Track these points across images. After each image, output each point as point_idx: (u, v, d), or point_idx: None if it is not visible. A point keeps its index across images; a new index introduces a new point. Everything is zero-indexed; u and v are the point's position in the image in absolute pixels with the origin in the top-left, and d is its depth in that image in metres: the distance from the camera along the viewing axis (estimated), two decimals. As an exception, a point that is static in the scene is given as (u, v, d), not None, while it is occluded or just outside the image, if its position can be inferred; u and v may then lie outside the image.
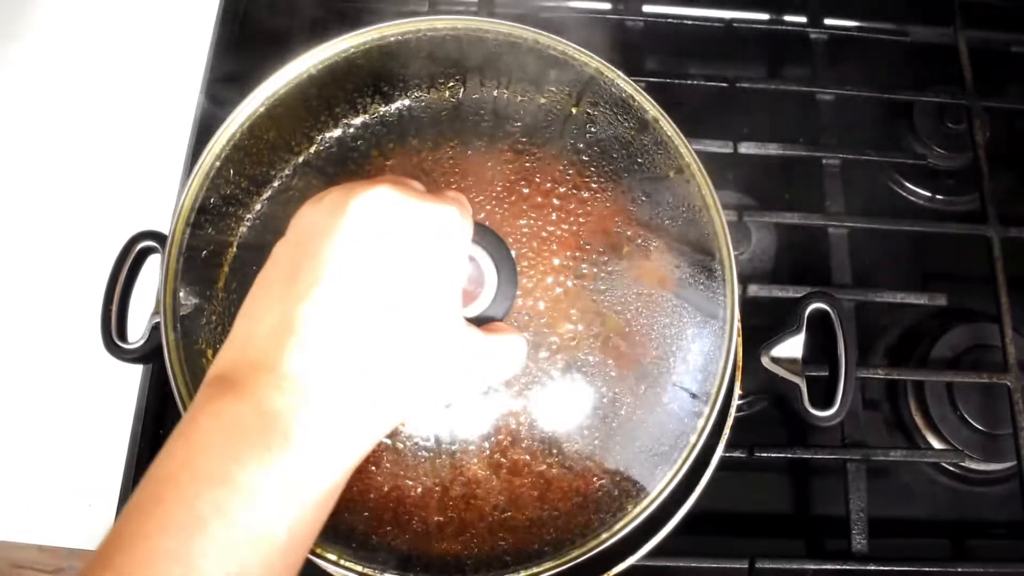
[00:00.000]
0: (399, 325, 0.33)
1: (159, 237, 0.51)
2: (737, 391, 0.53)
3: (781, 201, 0.72)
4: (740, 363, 0.54)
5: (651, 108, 0.47)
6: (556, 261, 0.43)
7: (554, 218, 0.44)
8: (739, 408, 0.53)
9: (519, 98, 0.46)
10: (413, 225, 0.34)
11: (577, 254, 0.43)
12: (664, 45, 0.75)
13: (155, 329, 0.47)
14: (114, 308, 0.51)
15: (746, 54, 0.78)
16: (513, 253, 0.41)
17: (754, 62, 0.79)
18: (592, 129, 0.46)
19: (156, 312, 0.44)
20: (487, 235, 0.40)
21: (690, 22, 0.74)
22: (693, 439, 0.43)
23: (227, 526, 0.29)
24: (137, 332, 0.49)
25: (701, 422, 0.44)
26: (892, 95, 0.72)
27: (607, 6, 0.75)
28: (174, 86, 0.71)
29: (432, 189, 0.38)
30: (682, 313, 0.44)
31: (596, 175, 0.45)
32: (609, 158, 0.46)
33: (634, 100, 0.47)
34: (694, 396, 0.44)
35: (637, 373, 0.43)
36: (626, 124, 0.47)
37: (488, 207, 0.43)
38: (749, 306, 0.59)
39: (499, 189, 0.44)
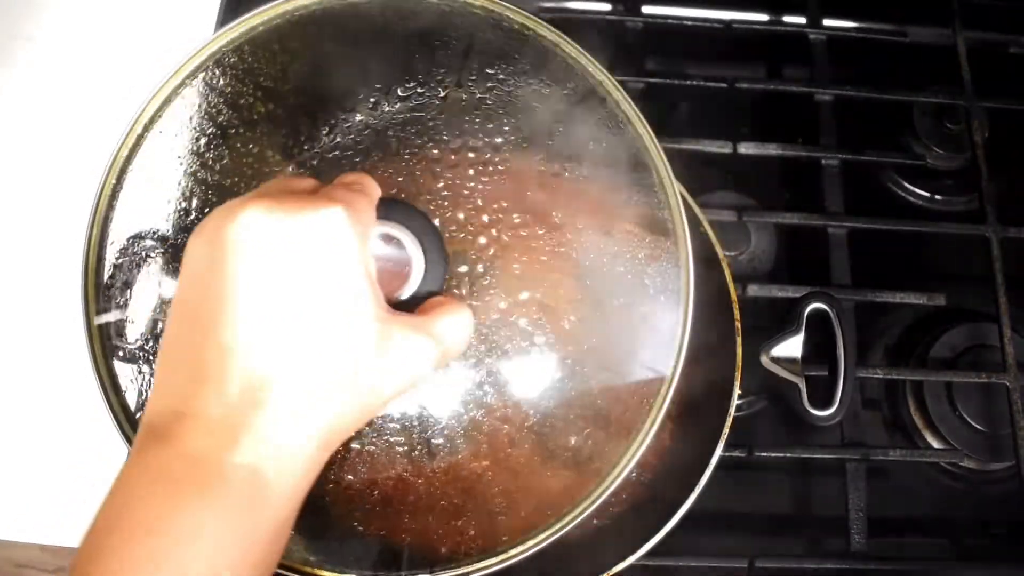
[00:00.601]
0: (312, 341, 0.32)
1: (160, 236, 0.51)
2: (737, 391, 0.53)
3: (781, 201, 0.72)
4: (740, 363, 0.54)
5: (549, 33, 0.44)
6: (485, 217, 0.41)
7: (471, 173, 0.42)
8: (739, 408, 0.53)
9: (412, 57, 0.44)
10: (294, 237, 0.32)
11: (505, 204, 0.41)
12: (664, 45, 0.75)
13: (154, 329, 0.47)
14: (113, 307, 0.51)
15: (746, 54, 0.78)
16: (437, 222, 0.39)
17: (754, 62, 0.79)
18: (490, 71, 0.43)
19: (155, 311, 0.44)
20: (401, 209, 0.38)
21: (690, 22, 0.74)
22: (665, 389, 0.41)
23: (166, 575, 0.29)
24: (137, 332, 0.50)
25: (674, 354, 0.41)
26: (891, 95, 0.72)
27: (607, 6, 0.75)
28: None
29: (329, 178, 0.37)
30: (631, 239, 0.42)
31: (505, 116, 0.43)
32: (516, 95, 0.43)
33: (528, 29, 0.44)
34: (657, 330, 0.42)
35: (596, 314, 0.42)
36: (526, 57, 0.44)
37: (400, 179, 0.41)
38: (749, 306, 0.59)
39: (407, 157, 0.42)
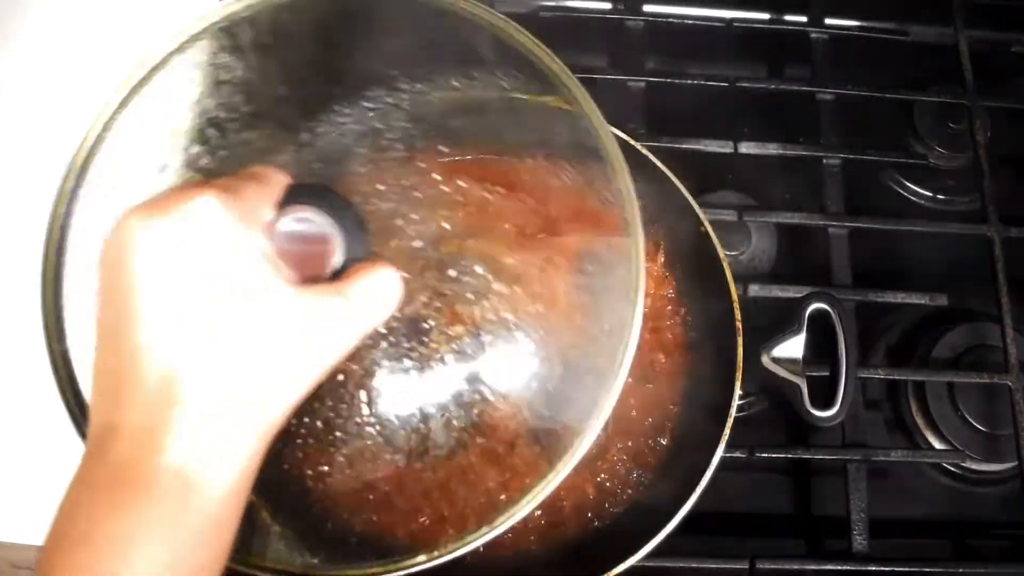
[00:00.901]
0: (214, 329, 0.32)
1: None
2: (737, 391, 0.53)
3: (781, 201, 0.72)
4: (741, 363, 0.54)
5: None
6: (405, 182, 0.41)
7: (383, 143, 0.42)
8: (739, 408, 0.53)
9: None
10: (170, 233, 0.33)
11: (422, 165, 0.42)
12: (664, 45, 0.75)
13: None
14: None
15: (746, 54, 0.78)
16: (357, 200, 0.40)
17: (754, 62, 0.79)
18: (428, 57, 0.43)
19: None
20: (310, 191, 0.38)
21: (690, 22, 0.73)
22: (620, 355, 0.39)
23: None
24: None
25: (632, 309, 0.40)
26: (892, 95, 0.72)
27: (607, 6, 0.74)
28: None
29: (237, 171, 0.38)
30: (565, 179, 0.42)
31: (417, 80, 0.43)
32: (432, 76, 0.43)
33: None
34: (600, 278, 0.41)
35: (536, 265, 0.42)
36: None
37: (318, 165, 0.42)
38: (749, 306, 0.59)
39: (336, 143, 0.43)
